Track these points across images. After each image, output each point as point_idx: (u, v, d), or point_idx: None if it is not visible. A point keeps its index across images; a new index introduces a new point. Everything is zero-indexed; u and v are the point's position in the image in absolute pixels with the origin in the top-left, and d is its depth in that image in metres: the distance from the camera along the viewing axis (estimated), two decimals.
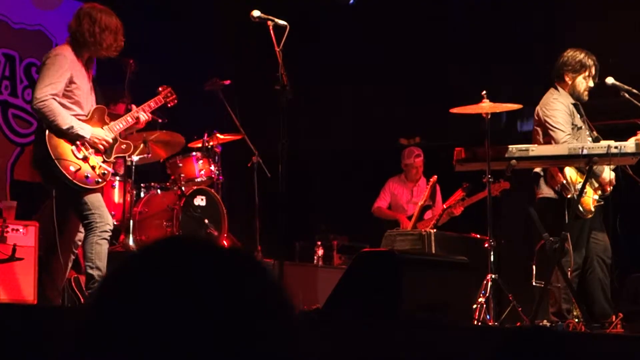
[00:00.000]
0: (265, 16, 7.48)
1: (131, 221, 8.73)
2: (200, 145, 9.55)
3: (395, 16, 12.14)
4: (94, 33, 7.21)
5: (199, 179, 9.33)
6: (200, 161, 9.38)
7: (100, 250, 7.03)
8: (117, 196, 8.93)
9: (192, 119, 8.50)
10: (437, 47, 12.03)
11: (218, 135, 9.66)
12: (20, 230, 7.85)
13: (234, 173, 10.03)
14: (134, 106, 7.78)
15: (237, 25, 9.72)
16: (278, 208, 7.35)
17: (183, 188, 9.06)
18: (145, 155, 8.23)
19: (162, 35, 10.50)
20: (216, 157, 9.57)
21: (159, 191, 9.30)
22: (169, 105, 8.04)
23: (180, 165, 9.29)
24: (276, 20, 7.44)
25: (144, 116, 7.72)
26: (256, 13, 7.49)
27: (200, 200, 9.11)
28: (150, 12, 7.43)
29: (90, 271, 7.08)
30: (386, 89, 12.31)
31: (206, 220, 9.07)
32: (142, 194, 9.23)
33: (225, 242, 9.21)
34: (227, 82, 9.72)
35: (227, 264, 1.45)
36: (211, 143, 9.56)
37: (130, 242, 8.79)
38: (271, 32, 7.43)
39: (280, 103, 7.29)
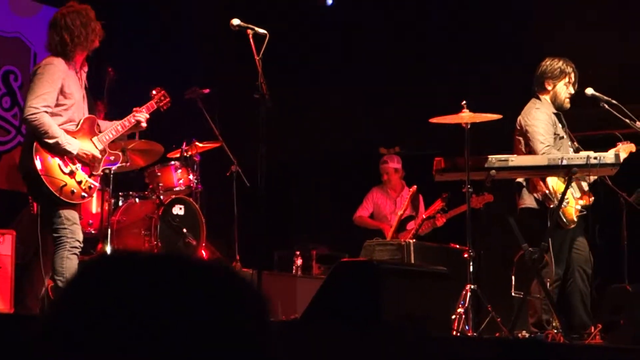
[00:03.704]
0: (245, 24, 7.47)
1: (109, 230, 8.68)
2: (179, 154, 9.53)
3: (378, 27, 12.15)
4: (81, 27, 7.18)
5: (177, 188, 9.31)
6: (179, 170, 9.36)
7: (70, 265, 7.01)
8: (95, 205, 8.90)
9: (171, 128, 8.48)
10: (417, 56, 12.04)
11: (197, 144, 9.64)
12: None
13: (213, 182, 10.02)
14: (138, 109, 7.76)
15: (216, 33, 9.69)
16: (257, 217, 7.34)
17: (162, 197, 9.04)
18: (124, 164, 8.19)
19: (142, 43, 10.47)
20: (195, 166, 9.56)
21: (137, 200, 9.27)
22: (163, 108, 8.02)
23: (159, 174, 9.27)
24: (256, 28, 7.44)
25: (144, 116, 7.69)
26: (236, 21, 7.48)
27: (178, 210, 9.09)
28: (130, 21, 7.40)
29: (60, 285, 7.05)
30: (366, 99, 12.32)
31: (185, 230, 9.05)
32: (120, 203, 9.21)
33: (203, 252, 9.19)
34: (207, 90, 9.71)
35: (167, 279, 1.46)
36: (190, 152, 9.54)
37: (108, 251, 8.75)
38: (251, 40, 7.42)
39: (260, 112, 7.28)
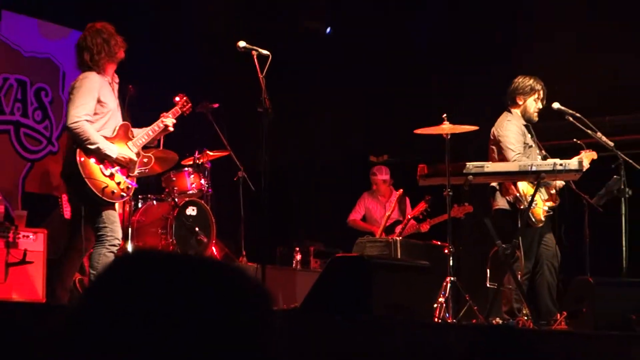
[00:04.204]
0: (250, 46, 7.49)
1: (130, 229, 8.70)
2: (191, 161, 9.55)
3: (367, 44, 12.17)
4: (104, 43, 7.18)
5: (190, 192, 9.31)
6: (192, 176, 9.36)
7: (106, 262, 6.95)
8: (117, 206, 8.90)
9: (184, 138, 8.50)
10: (403, 74, 12.07)
11: (208, 152, 9.66)
12: (31, 236, 7.83)
13: (222, 186, 10.02)
14: (165, 114, 7.75)
15: (224, 54, 9.71)
16: (261, 218, 7.35)
17: (176, 199, 9.05)
18: (144, 169, 8.18)
19: (158, 63, 10.48)
20: (206, 172, 9.57)
21: (154, 202, 9.28)
22: (186, 113, 7.99)
23: (174, 179, 9.28)
24: (260, 50, 7.45)
25: (171, 121, 7.70)
26: (242, 44, 7.49)
27: (191, 211, 9.10)
28: (147, 43, 7.41)
29: (92, 278, 7.03)
30: (358, 112, 12.34)
31: (197, 228, 9.06)
32: (139, 205, 9.21)
33: (214, 248, 9.21)
34: (216, 105, 9.72)
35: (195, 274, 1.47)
36: (201, 160, 9.56)
37: (129, 248, 8.76)
38: (255, 60, 7.44)
39: (263, 124, 7.30)
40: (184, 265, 1.49)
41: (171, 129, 7.71)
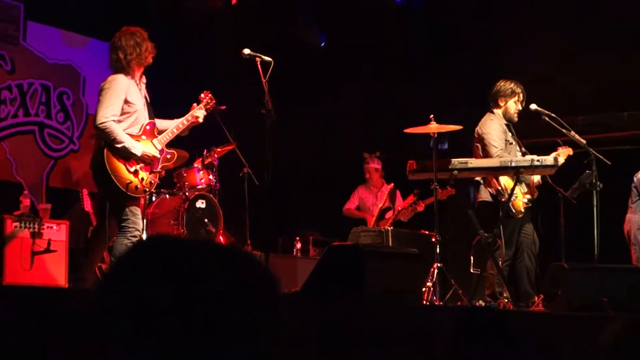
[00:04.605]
0: (254, 53, 7.50)
1: (145, 220, 8.70)
2: (201, 159, 9.56)
3: (363, 50, 12.17)
4: (136, 46, 7.14)
5: (200, 186, 9.30)
6: (201, 172, 9.35)
7: None
8: (141, 200, 8.90)
9: (195, 137, 8.49)
10: (396, 76, 12.07)
11: (216, 149, 9.67)
12: (54, 227, 7.84)
13: (229, 181, 10.01)
14: (195, 104, 7.71)
15: (231, 60, 9.71)
16: (264, 210, 7.36)
17: (187, 193, 9.05)
18: (167, 165, 8.10)
19: (173, 70, 10.47)
20: (214, 168, 9.56)
21: (167, 196, 9.28)
22: (210, 109, 7.91)
23: (185, 175, 9.27)
24: (262, 56, 7.46)
25: (202, 113, 7.66)
26: (247, 51, 7.51)
27: (201, 204, 9.10)
28: (162, 51, 7.42)
29: None
30: (353, 115, 12.34)
31: (206, 220, 9.06)
32: (153, 199, 9.20)
33: (221, 237, 9.21)
34: (223, 107, 9.71)
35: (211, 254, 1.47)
36: (209, 159, 9.57)
37: (144, 238, 8.76)
38: (258, 66, 7.45)
39: (266, 124, 7.31)
40: (199, 248, 1.48)
41: (201, 120, 7.67)
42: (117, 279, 1.45)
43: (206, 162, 9.48)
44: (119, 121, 7.02)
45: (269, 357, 1.44)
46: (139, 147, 7.12)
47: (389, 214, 11.07)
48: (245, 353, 1.40)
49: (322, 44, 12.45)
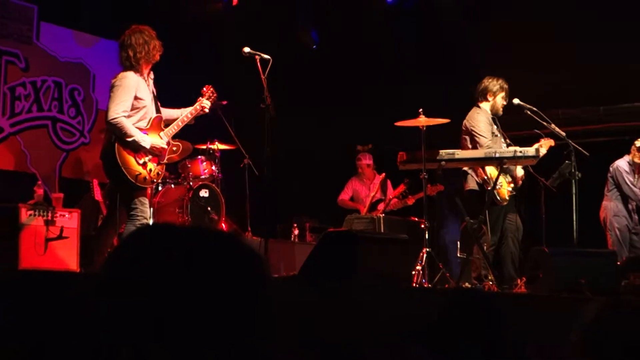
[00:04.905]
0: (254, 51, 7.48)
1: (151, 209, 8.67)
2: (204, 147, 9.60)
3: (357, 50, 12.15)
4: (144, 44, 7.08)
5: (203, 176, 9.29)
6: (204, 163, 9.34)
7: None
8: (149, 190, 8.88)
9: (198, 131, 8.46)
10: (388, 71, 12.05)
11: (217, 142, 9.69)
12: (66, 215, 7.80)
13: (230, 172, 10.00)
14: (201, 99, 7.69)
15: (231, 58, 9.66)
16: (263, 198, 7.35)
17: (191, 183, 9.04)
18: (172, 156, 8.07)
19: (176, 66, 10.43)
20: (216, 160, 9.56)
21: (172, 186, 9.26)
22: (212, 101, 7.86)
23: (189, 166, 9.26)
24: (262, 54, 7.44)
25: (208, 104, 7.65)
26: (246, 49, 7.49)
27: (204, 193, 9.08)
28: (167, 50, 7.38)
29: None
30: (347, 108, 12.31)
31: (209, 208, 9.04)
32: (159, 188, 9.19)
33: (223, 224, 9.20)
34: (225, 102, 9.68)
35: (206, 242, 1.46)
36: (212, 148, 9.57)
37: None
38: (258, 64, 7.43)
39: (265, 118, 7.29)
40: (193, 234, 1.47)
41: (207, 110, 7.65)
42: (118, 262, 1.44)
43: (209, 154, 9.50)
44: (129, 116, 6.98)
45: (261, 335, 1.41)
46: (148, 140, 7.09)
47: (381, 206, 11.04)
48: (237, 331, 1.38)
49: (315, 46, 12.41)
